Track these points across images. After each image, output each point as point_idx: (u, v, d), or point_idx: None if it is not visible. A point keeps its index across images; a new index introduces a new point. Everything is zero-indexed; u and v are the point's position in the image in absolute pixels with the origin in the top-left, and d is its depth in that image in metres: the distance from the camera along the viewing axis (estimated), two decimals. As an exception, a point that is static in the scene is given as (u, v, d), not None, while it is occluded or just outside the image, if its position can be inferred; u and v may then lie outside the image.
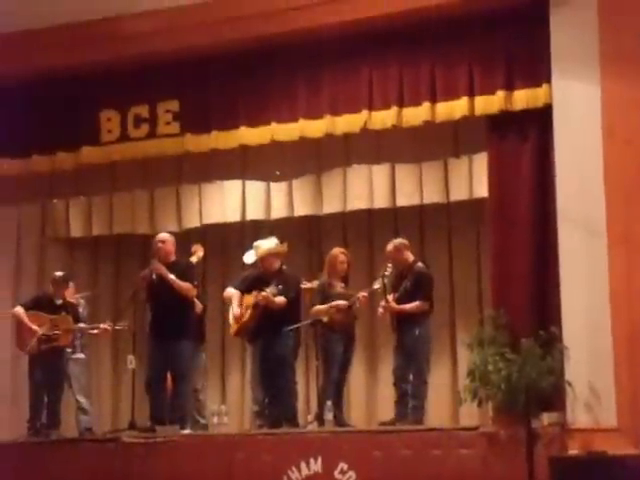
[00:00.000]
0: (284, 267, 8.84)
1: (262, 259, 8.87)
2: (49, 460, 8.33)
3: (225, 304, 9.31)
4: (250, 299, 8.73)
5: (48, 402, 8.99)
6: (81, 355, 9.67)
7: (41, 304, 9.15)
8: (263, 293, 8.55)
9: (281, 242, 8.95)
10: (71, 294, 9.50)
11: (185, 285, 8.64)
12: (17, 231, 10.39)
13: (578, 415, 7.22)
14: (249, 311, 8.72)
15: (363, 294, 8.74)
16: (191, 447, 8.10)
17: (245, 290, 8.85)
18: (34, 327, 8.97)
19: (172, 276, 8.62)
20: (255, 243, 9.08)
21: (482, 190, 8.53)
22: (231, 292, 8.95)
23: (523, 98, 7.86)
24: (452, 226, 10.04)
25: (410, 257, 8.75)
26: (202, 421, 9.19)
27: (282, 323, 8.56)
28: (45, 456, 8.40)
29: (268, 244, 8.94)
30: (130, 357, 8.93)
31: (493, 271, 8.09)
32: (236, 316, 8.79)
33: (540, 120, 7.82)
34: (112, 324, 9.28)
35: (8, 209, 10.06)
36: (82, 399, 9.56)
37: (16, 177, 9.27)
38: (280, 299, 8.57)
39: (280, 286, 8.55)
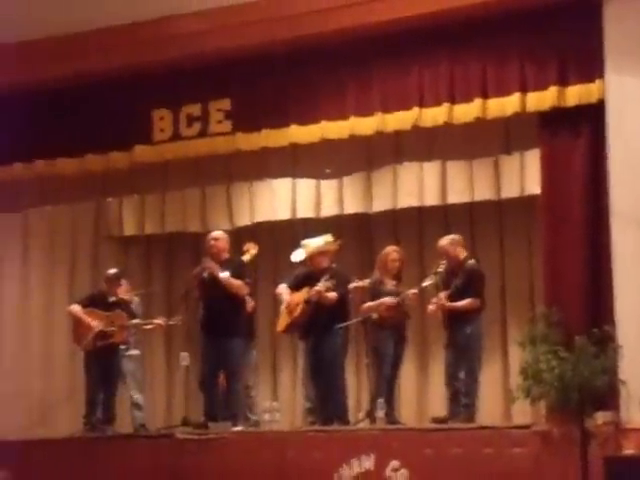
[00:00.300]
0: (333, 265, 8.84)
1: (311, 257, 8.90)
2: (104, 455, 8.45)
3: (276, 301, 9.35)
4: (301, 296, 8.76)
5: (103, 398, 9.12)
6: (135, 352, 9.78)
7: (96, 302, 9.28)
8: (316, 288, 8.57)
9: (335, 240, 8.96)
10: (124, 291, 9.60)
11: (237, 283, 8.69)
12: (72, 230, 10.56)
13: (633, 414, 7.14)
14: (300, 306, 8.74)
15: (412, 291, 8.74)
16: (243, 444, 8.16)
17: (295, 287, 8.88)
18: (92, 323, 9.08)
19: (224, 274, 8.67)
20: (303, 242, 9.11)
21: (534, 187, 8.47)
22: (282, 288, 8.99)
23: (576, 94, 7.78)
24: (503, 223, 9.98)
25: (462, 254, 8.71)
26: (254, 418, 9.24)
27: (332, 321, 8.58)
28: (100, 451, 8.52)
29: (317, 242, 8.96)
30: (183, 354, 9.01)
31: (545, 268, 8.03)
32: (287, 308, 8.79)
33: (593, 116, 7.74)
34: (166, 319, 9.37)
35: (63, 208, 10.22)
36: (136, 395, 9.67)
37: (71, 176, 9.38)
38: (332, 294, 8.59)
39: (330, 281, 8.56)
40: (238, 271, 8.76)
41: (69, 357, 9.83)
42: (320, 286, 8.56)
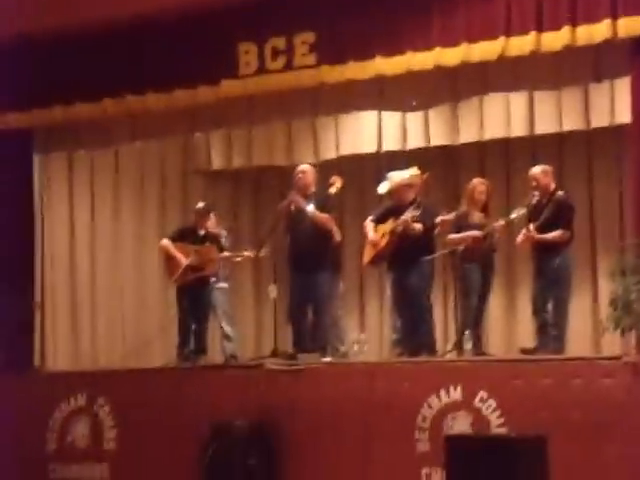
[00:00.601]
0: (419, 198, 8.81)
1: (396, 190, 8.88)
2: (197, 385, 8.63)
3: (362, 234, 9.36)
4: (386, 227, 8.76)
5: (195, 330, 9.28)
6: (225, 284, 9.93)
7: (185, 235, 9.40)
8: (403, 217, 8.57)
9: (421, 173, 8.92)
10: (213, 225, 9.74)
11: (323, 216, 8.74)
12: (161, 165, 10.72)
13: None
14: (385, 238, 8.75)
15: (500, 223, 8.68)
16: (332, 374, 8.27)
17: (381, 221, 8.89)
18: (182, 257, 9.24)
19: (310, 207, 8.73)
20: (389, 174, 9.09)
21: (624, 116, 8.29)
22: (367, 222, 9.01)
23: (669, 19, 7.56)
24: (593, 153, 9.82)
25: (552, 185, 8.62)
26: (342, 349, 9.33)
27: (418, 252, 8.58)
28: (193, 381, 8.71)
29: (402, 175, 8.93)
30: (271, 287, 9.13)
31: (635, 198, 7.90)
32: (372, 241, 8.82)
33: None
34: (255, 252, 9.46)
35: (152, 143, 10.35)
36: (227, 327, 9.85)
37: (159, 112, 9.48)
38: (418, 225, 8.58)
39: (417, 212, 8.54)
40: (324, 204, 8.81)
41: (162, 290, 10.05)
42: (407, 216, 8.55)
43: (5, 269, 9.62)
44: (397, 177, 8.93)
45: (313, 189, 8.94)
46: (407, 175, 8.90)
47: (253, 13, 8.85)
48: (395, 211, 8.78)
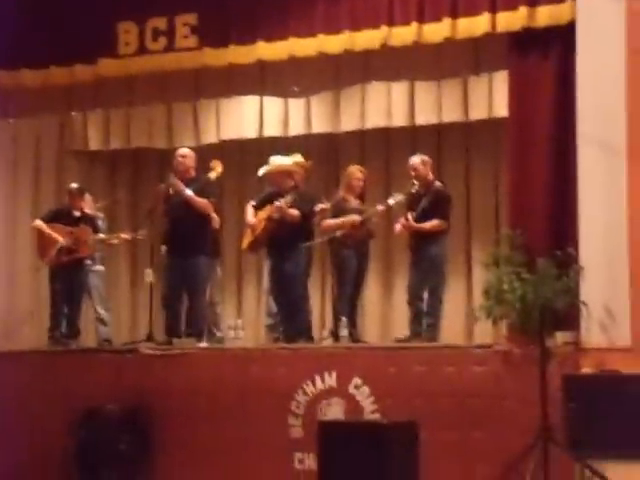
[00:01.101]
0: (297, 185, 8.79)
1: (273, 175, 8.84)
2: (68, 369, 8.50)
3: (242, 220, 9.32)
4: (264, 213, 8.73)
5: (68, 312, 9.14)
6: (100, 267, 9.76)
7: (60, 217, 9.23)
8: (277, 203, 8.55)
9: (305, 161, 8.91)
10: (90, 206, 9.55)
11: (202, 201, 8.66)
12: (36, 144, 10.42)
13: (592, 335, 7.24)
14: (262, 223, 8.72)
15: (379, 208, 8.72)
16: (207, 360, 8.23)
17: (260, 206, 8.86)
18: (56, 237, 9.03)
19: (189, 192, 8.64)
20: (271, 158, 9.05)
21: (502, 109, 8.44)
22: (247, 208, 8.96)
23: (546, 14, 7.74)
24: (470, 145, 9.97)
25: (430, 175, 8.73)
26: (218, 334, 9.30)
27: (295, 239, 8.56)
28: (64, 365, 8.57)
29: (282, 160, 8.90)
30: (147, 270, 9.03)
31: (510, 191, 8.07)
32: (251, 226, 8.78)
33: (563, 38, 7.71)
34: (132, 234, 9.33)
35: (27, 121, 10.06)
36: (101, 310, 9.69)
37: (35, 89, 9.23)
38: (294, 211, 8.56)
39: (293, 198, 8.53)
40: (203, 189, 8.73)
41: (34, 271, 9.78)
42: (281, 202, 8.54)
43: None
44: (278, 162, 8.90)
45: (193, 173, 8.85)
46: (289, 161, 8.88)
47: (134, -9, 8.72)
48: (276, 197, 8.76)
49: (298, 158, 8.95)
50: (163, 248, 8.86)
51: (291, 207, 8.55)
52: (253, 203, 8.93)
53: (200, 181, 8.82)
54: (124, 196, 10.48)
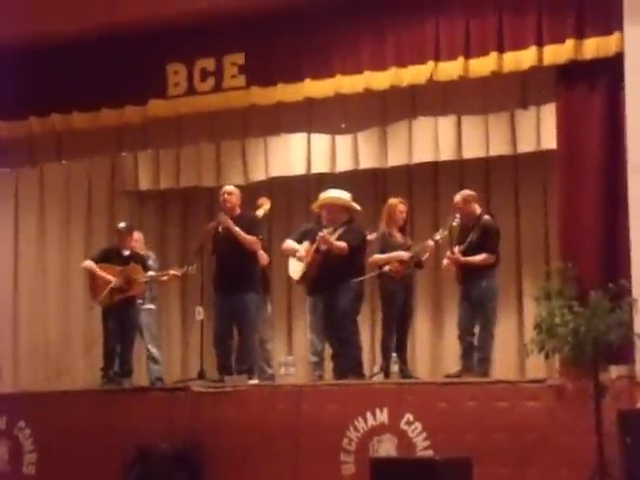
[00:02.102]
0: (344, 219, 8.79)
1: (327, 207, 8.80)
2: (121, 407, 8.52)
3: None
4: (310, 247, 8.71)
5: (120, 351, 9.19)
6: (151, 306, 9.85)
7: (110, 256, 9.31)
8: (320, 234, 8.53)
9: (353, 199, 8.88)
10: (141, 246, 9.65)
11: (250, 238, 8.71)
12: (87, 185, 10.59)
13: (647, 368, 7.15)
14: (310, 257, 8.69)
15: (429, 242, 8.71)
16: (258, 397, 8.22)
17: (299, 242, 8.86)
18: (108, 277, 9.12)
19: (238, 229, 8.69)
20: (329, 191, 8.99)
21: (550, 142, 8.42)
22: (289, 243, 8.96)
23: (593, 46, 7.67)
24: (519, 178, 9.96)
25: (477, 209, 8.71)
26: (269, 371, 9.30)
27: (345, 273, 8.54)
28: (117, 403, 8.60)
29: (338, 193, 8.88)
30: (198, 308, 9.06)
31: (561, 223, 8.01)
32: (301, 257, 8.74)
33: (611, 69, 7.65)
34: (181, 269, 9.36)
35: (79, 163, 10.23)
36: (153, 349, 9.76)
37: (86, 131, 9.36)
38: (341, 243, 8.54)
39: (338, 230, 8.49)
40: (250, 226, 8.78)
41: (87, 311, 9.89)
42: (324, 232, 8.52)
43: None
44: (335, 194, 8.87)
45: (239, 211, 8.91)
46: (347, 195, 8.86)
47: (182, 33, 8.82)
48: (314, 232, 8.74)
49: (341, 193, 8.94)
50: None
51: (339, 240, 8.54)
52: (291, 240, 8.92)
53: (247, 218, 8.87)
54: (173, 240, 10.56)
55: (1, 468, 8.82)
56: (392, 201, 8.99)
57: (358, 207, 8.84)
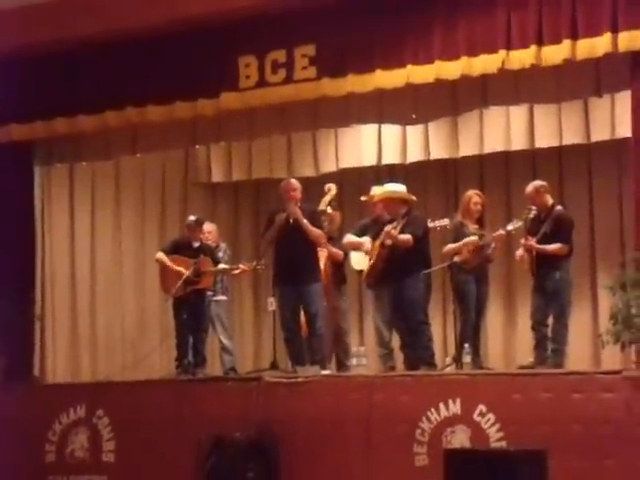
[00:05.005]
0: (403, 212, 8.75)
1: (385, 201, 8.79)
2: (196, 397, 8.62)
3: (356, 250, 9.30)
4: (376, 242, 8.70)
5: (193, 342, 9.27)
6: (223, 297, 9.91)
7: (180, 248, 9.38)
8: (385, 229, 8.53)
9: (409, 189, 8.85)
10: (214, 237, 9.74)
11: (317, 231, 8.70)
12: (162, 177, 10.73)
13: None
14: (375, 252, 8.67)
15: (498, 233, 8.64)
16: (330, 388, 8.24)
17: (359, 236, 8.85)
18: (179, 269, 9.22)
19: (306, 221, 8.69)
20: (386, 185, 9.00)
21: (625, 130, 8.31)
22: (350, 237, 8.95)
23: (670, 33, 7.55)
24: (593, 168, 9.84)
25: (549, 200, 8.61)
26: (347, 364, 9.25)
27: (412, 265, 8.51)
28: (192, 393, 8.69)
29: (395, 187, 8.86)
30: (270, 299, 9.12)
31: (636, 212, 7.89)
32: (367, 250, 8.73)
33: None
34: (250, 264, 9.42)
35: (153, 155, 10.36)
36: (225, 340, 9.83)
37: (160, 124, 9.47)
38: (405, 236, 8.50)
39: (401, 223, 8.48)
40: (314, 219, 8.76)
41: (162, 302, 10.03)
42: (389, 227, 8.51)
43: (6, 281, 9.61)
44: (393, 188, 8.88)
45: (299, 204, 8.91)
46: (404, 188, 8.85)
47: (253, 26, 8.86)
48: (374, 226, 8.71)
49: (399, 187, 8.92)
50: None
51: (401, 232, 8.52)
52: (350, 234, 8.89)
53: (310, 211, 8.84)
54: (245, 231, 10.60)
55: (81, 455, 9.00)
56: (468, 193, 8.95)
57: (414, 197, 8.80)
